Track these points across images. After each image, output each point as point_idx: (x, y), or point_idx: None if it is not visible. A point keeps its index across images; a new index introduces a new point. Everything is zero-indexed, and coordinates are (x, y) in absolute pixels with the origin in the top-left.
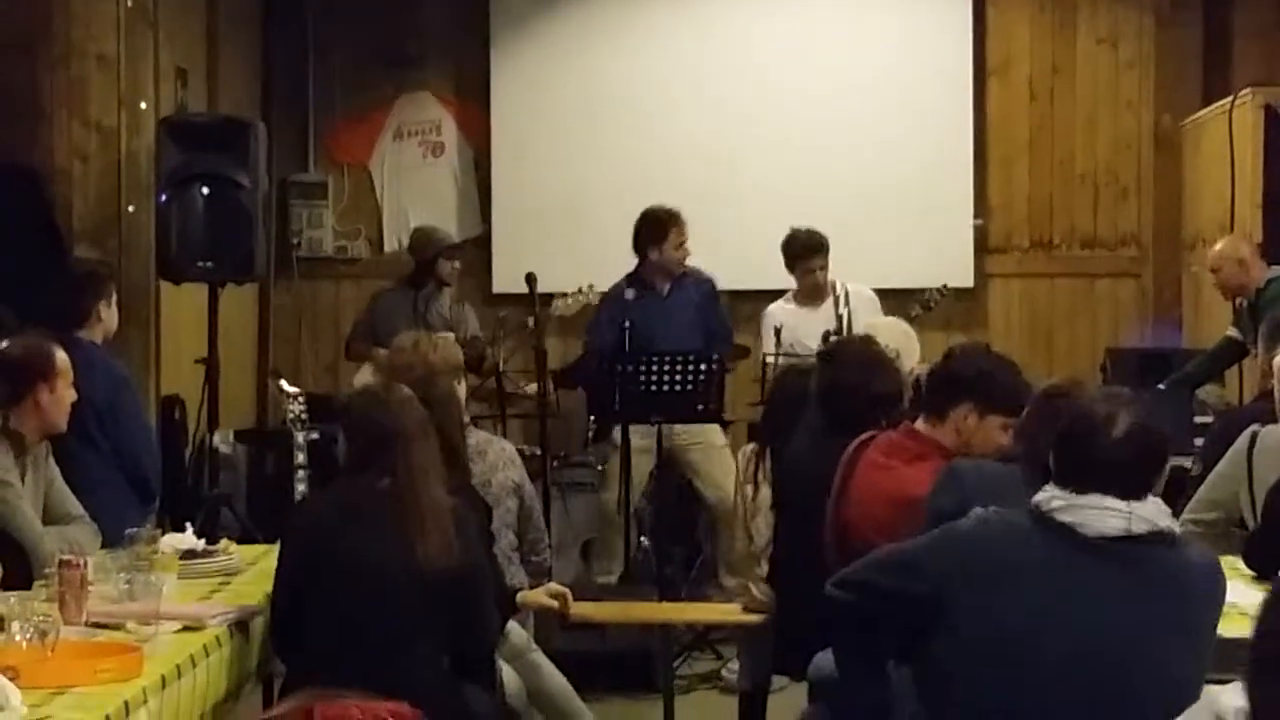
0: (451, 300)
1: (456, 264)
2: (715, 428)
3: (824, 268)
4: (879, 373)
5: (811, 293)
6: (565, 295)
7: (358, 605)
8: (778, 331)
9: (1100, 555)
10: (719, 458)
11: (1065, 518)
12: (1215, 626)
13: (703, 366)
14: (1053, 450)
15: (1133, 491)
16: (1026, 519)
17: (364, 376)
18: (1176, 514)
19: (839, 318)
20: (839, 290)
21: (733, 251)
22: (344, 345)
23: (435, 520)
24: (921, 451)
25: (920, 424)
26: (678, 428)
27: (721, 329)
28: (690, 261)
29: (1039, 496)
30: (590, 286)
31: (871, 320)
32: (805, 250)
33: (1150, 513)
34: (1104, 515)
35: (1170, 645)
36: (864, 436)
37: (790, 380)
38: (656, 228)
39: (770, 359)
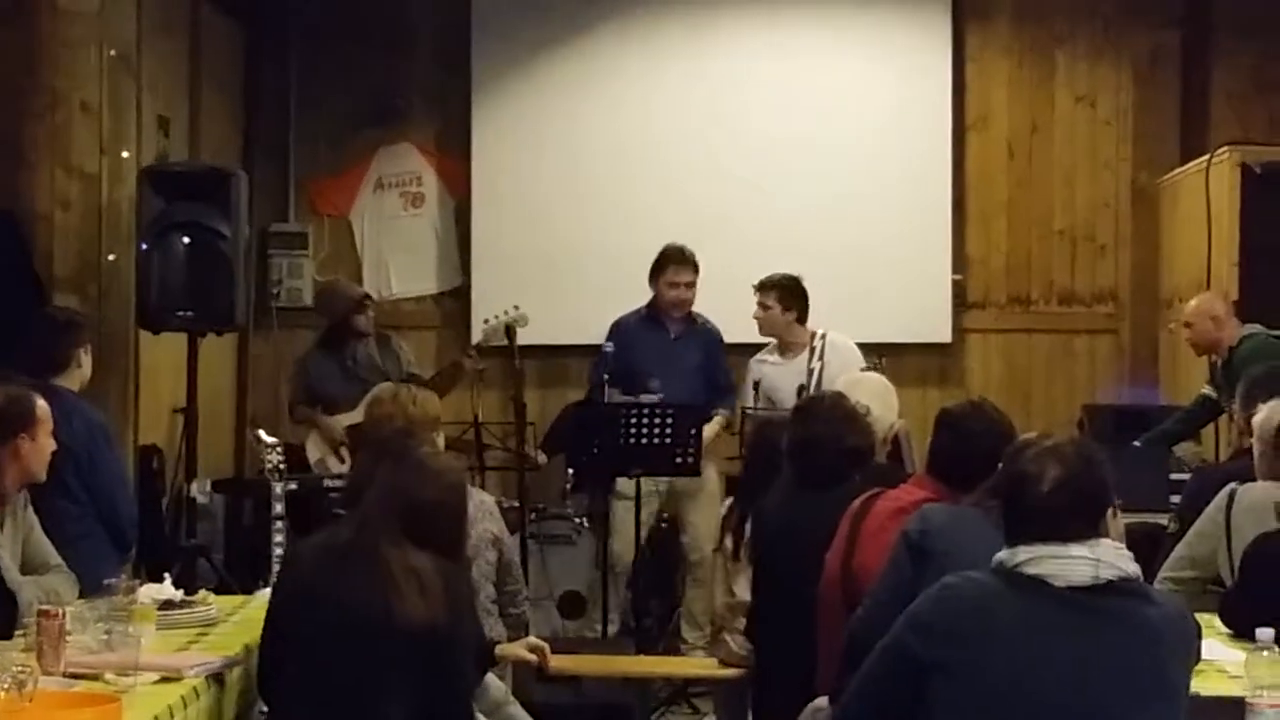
0: (378, 347)
1: (370, 313)
2: (709, 473)
3: (766, 307)
4: (851, 427)
5: (770, 335)
6: (485, 321)
7: (334, 656)
8: (756, 384)
9: (1073, 607)
10: (708, 504)
11: (1033, 570)
12: (1189, 678)
13: (679, 418)
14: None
15: (1074, 536)
16: (992, 578)
17: (315, 444)
18: (1154, 572)
19: (810, 371)
20: (816, 342)
21: (712, 302)
22: (287, 409)
23: (416, 577)
24: (938, 496)
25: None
26: None
27: (725, 382)
28: None
29: (1001, 555)
30: (516, 307)
31: (851, 376)
32: (755, 288)
33: (1112, 556)
34: (1070, 564)
35: (1143, 697)
36: (871, 492)
37: (767, 435)
38: (657, 261)
39: (749, 411)
